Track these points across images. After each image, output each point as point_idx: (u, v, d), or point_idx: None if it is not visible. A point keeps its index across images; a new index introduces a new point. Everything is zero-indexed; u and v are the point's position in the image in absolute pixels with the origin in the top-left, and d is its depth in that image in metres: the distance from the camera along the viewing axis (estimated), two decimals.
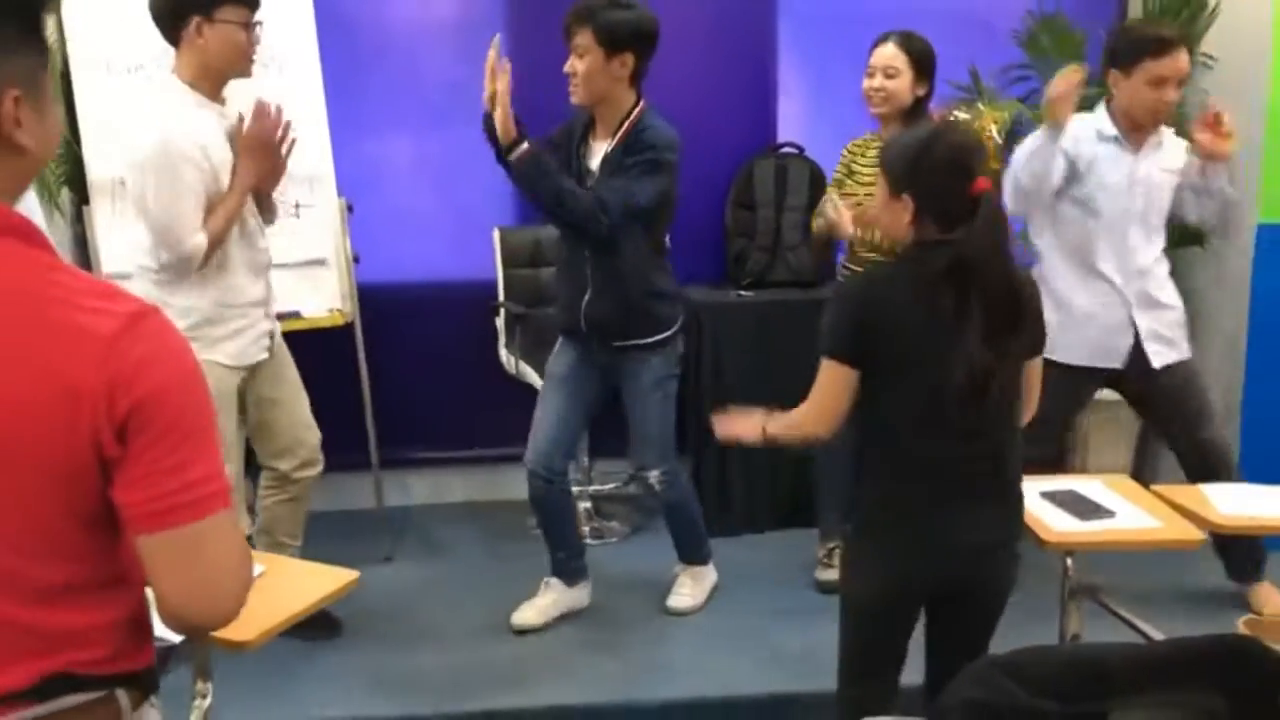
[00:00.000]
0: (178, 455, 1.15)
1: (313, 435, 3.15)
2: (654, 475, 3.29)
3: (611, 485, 4.19)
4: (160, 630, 1.29)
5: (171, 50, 2.83)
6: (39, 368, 1.10)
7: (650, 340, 3.15)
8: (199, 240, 2.71)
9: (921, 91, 3.30)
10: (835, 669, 2.27)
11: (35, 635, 1.17)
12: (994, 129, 3.96)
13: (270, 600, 2.02)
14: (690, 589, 3.47)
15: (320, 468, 3.19)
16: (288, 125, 2.86)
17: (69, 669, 1.19)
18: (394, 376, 4.01)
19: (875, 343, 2.07)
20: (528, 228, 4.17)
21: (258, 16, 2.80)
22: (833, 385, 2.11)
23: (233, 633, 1.90)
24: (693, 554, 3.50)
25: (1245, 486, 2.76)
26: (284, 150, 2.89)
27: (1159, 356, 3.22)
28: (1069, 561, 2.42)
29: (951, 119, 4.00)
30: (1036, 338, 2.19)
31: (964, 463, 2.09)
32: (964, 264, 2.01)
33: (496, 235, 4.10)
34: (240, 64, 2.79)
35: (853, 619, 2.25)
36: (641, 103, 3.07)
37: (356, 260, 3.75)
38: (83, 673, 1.20)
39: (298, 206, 3.64)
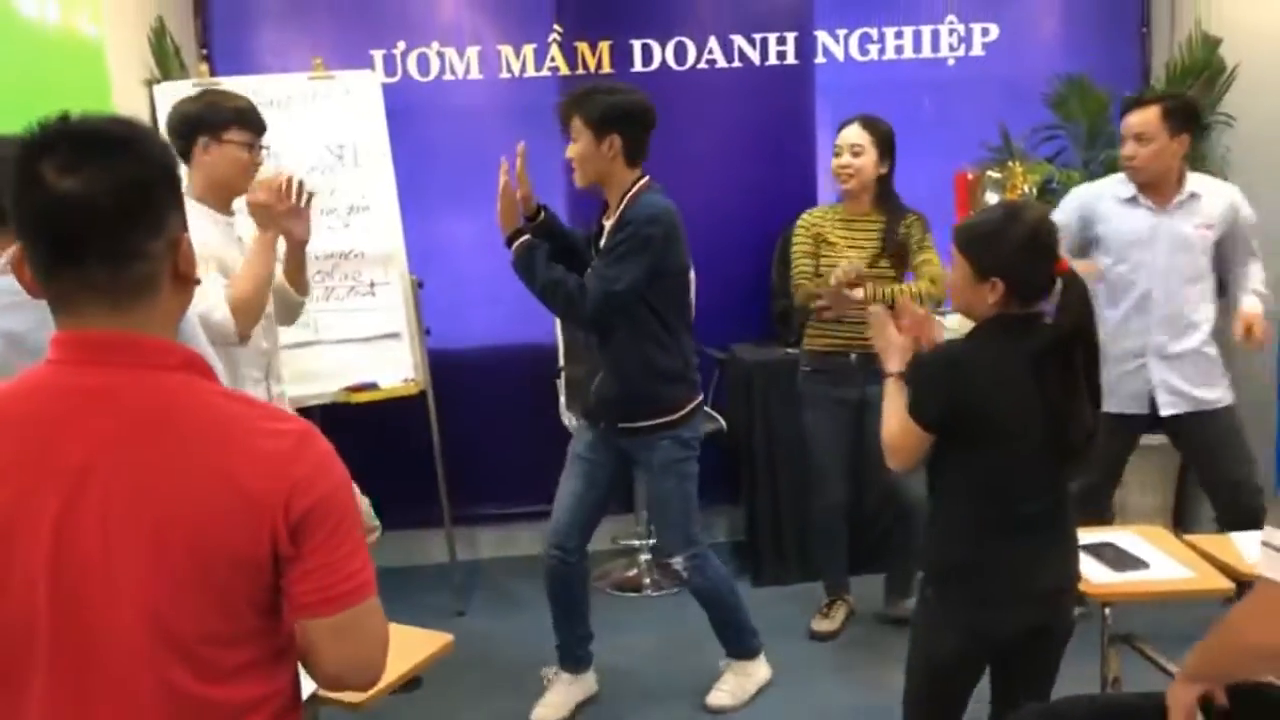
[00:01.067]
0: (341, 551, 1.36)
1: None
2: (678, 562, 3.24)
3: None
4: None
5: None
6: (228, 482, 1.31)
7: (656, 422, 3.10)
8: (222, 314, 2.74)
9: (884, 169, 3.53)
10: None
11: (220, 710, 1.36)
12: (1026, 187, 4.18)
13: None
14: (732, 686, 3.35)
15: (377, 534, 3.23)
16: (300, 186, 2.89)
17: None
18: (463, 437, 4.23)
19: (964, 417, 2.18)
20: None
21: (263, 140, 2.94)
22: (910, 437, 2.24)
23: (348, 695, 2.15)
24: (735, 646, 3.36)
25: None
26: (301, 204, 2.90)
27: (1168, 406, 3.41)
28: (1107, 611, 2.59)
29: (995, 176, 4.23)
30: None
31: (1042, 515, 2.22)
32: (1069, 339, 2.15)
33: None
34: (242, 181, 2.90)
35: (927, 676, 2.32)
36: (643, 179, 3.09)
37: (428, 332, 4.01)
38: None
39: (373, 285, 3.90)
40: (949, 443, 2.22)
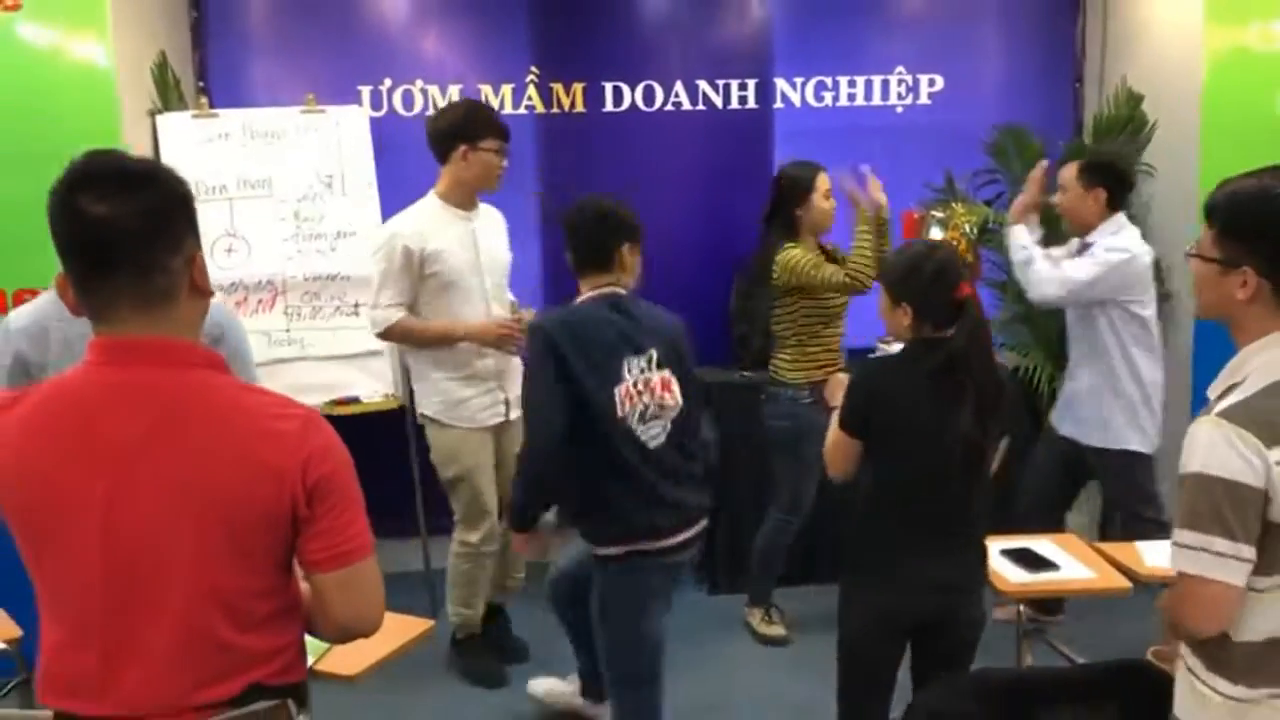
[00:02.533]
0: (345, 516, 1.61)
1: None
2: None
3: None
4: None
5: (248, 177, 3.70)
6: (252, 457, 1.55)
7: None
8: (382, 316, 3.46)
9: None
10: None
11: (246, 655, 1.61)
12: (967, 226, 4.50)
13: (362, 643, 2.50)
14: None
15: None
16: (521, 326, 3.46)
17: (262, 680, 1.62)
18: None
19: (876, 426, 2.49)
20: None
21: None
22: (840, 447, 2.56)
23: (341, 669, 2.41)
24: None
25: None
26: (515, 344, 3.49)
27: (1056, 419, 3.88)
28: (1021, 607, 2.89)
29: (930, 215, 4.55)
30: (1013, 421, 2.62)
31: (940, 518, 2.50)
32: (957, 358, 2.44)
33: None
34: (490, 182, 3.51)
35: (847, 659, 2.61)
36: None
37: None
38: (269, 684, 1.63)
39: (357, 306, 4.15)
40: (868, 450, 2.53)
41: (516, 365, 3.53)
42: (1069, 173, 3.75)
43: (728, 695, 3.68)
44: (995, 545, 2.92)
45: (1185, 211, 4.18)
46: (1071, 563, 2.95)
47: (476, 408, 3.59)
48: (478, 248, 3.53)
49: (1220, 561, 1.67)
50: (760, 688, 3.73)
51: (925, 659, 2.61)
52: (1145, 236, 4.49)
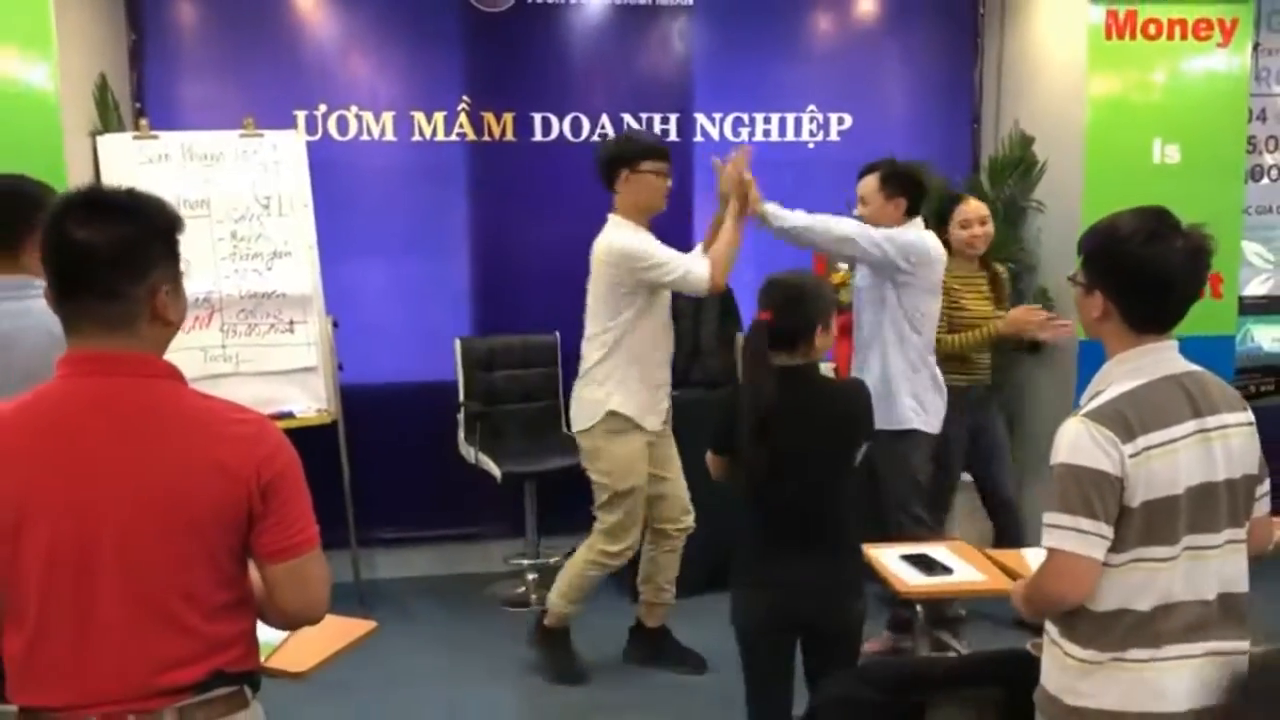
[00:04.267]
0: (295, 512, 1.75)
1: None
2: None
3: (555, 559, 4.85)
4: None
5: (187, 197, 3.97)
6: (211, 460, 1.70)
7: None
8: (699, 269, 3.67)
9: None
10: None
11: (208, 642, 1.74)
12: None
13: (309, 642, 2.64)
14: None
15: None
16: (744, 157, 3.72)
17: (223, 667, 1.76)
18: (370, 465, 4.62)
19: (730, 442, 2.76)
20: (484, 338, 4.89)
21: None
22: (712, 461, 2.85)
23: (290, 665, 2.56)
24: None
25: None
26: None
27: None
28: (919, 608, 3.16)
29: None
30: (868, 427, 2.85)
31: (808, 523, 2.73)
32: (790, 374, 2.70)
33: (458, 344, 4.80)
34: (656, 201, 3.73)
35: (742, 653, 2.83)
36: None
37: (341, 368, 4.42)
38: (229, 670, 1.77)
39: (292, 323, 4.30)
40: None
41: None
42: (870, 185, 3.90)
43: None
44: (895, 551, 3.19)
45: (1069, 244, 4.49)
46: (965, 567, 3.22)
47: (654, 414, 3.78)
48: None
49: (1085, 539, 1.96)
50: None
51: (810, 656, 2.83)
52: (1035, 266, 4.88)
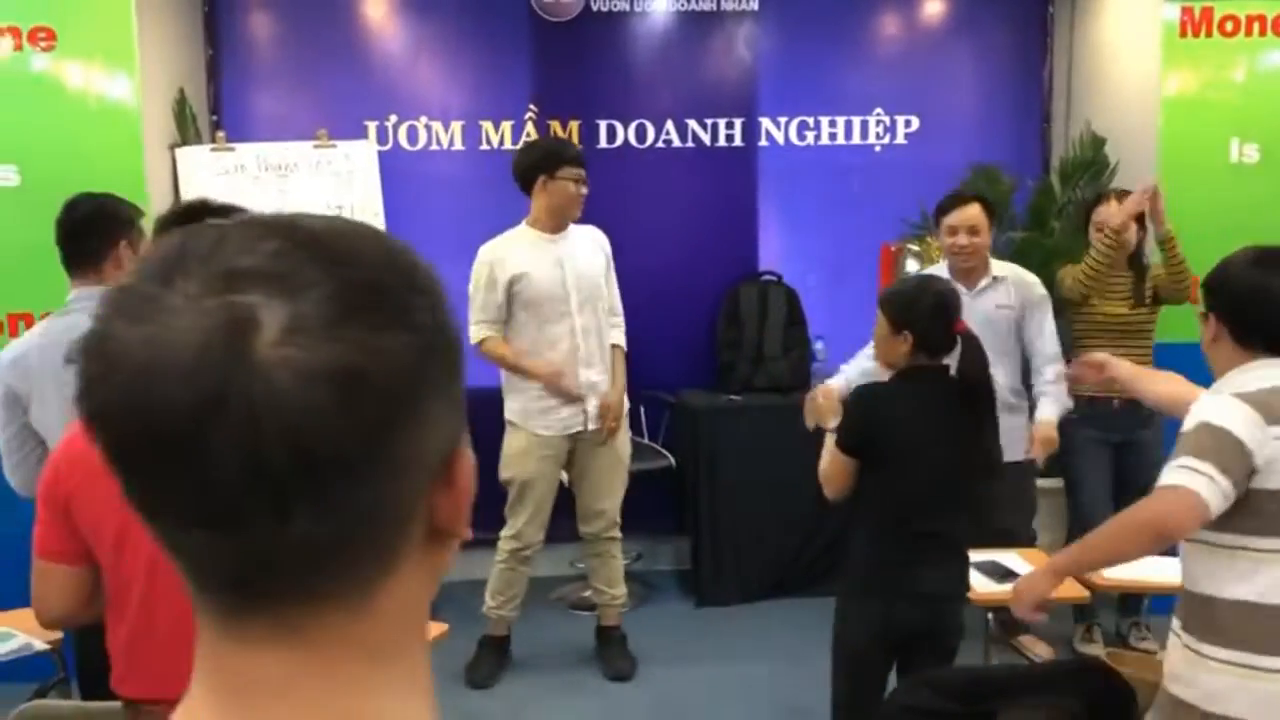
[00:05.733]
0: None
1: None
2: None
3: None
4: None
5: (262, 207, 3.66)
6: None
7: None
8: (474, 331, 3.78)
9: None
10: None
11: None
12: (941, 259, 4.75)
13: None
14: None
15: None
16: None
17: None
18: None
19: (877, 443, 2.68)
20: None
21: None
22: (836, 466, 2.74)
23: None
24: None
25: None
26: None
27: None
28: (990, 616, 3.13)
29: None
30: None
31: (938, 532, 2.70)
32: (972, 384, 2.69)
33: None
34: (572, 208, 3.81)
35: (844, 661, 2.79)
36: None
37: None
38: None
39: None
40: (865, 468, 2.70)
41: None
42: (977, 213, 3.89)
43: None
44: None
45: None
46: None
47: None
48: (564, 268, 3.81)
49: (1206, 481, 1.96)
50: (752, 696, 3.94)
51: (911, 664, 2.77)
52: None
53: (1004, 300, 3.89)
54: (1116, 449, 4.02)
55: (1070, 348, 4.03)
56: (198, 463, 0.53)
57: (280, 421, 0.53)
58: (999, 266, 3.96)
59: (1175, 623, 2.16)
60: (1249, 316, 2.15)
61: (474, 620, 4.47)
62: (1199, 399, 2.12)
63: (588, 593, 4.76)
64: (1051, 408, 3.71)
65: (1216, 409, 2.04)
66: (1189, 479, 1.98)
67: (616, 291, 4.01)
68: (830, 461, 2.76)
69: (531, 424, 3.90)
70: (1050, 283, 4.05)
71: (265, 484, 0.54)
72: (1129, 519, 2.11)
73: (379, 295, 0.58)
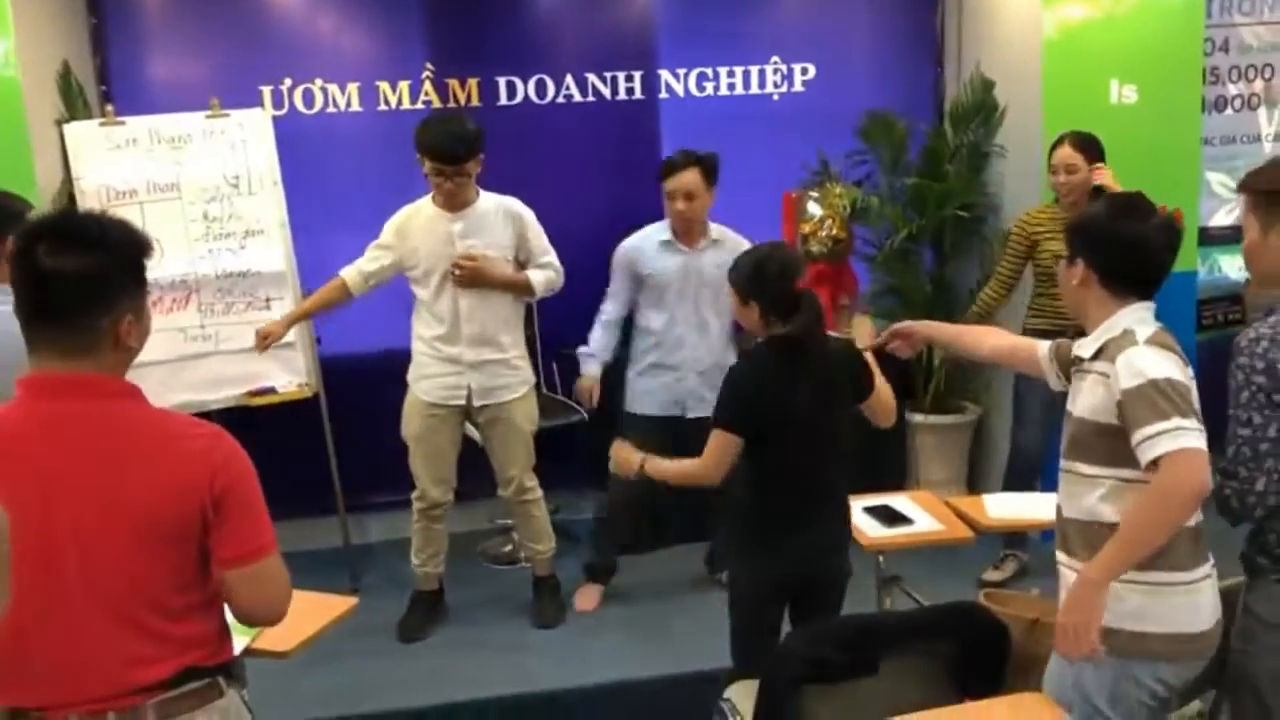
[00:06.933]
0: (248, 519, 1.85)
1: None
2: None
3: None
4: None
5: (157, 181, 4.10)
6: (167, 473, 1.79)
7: None
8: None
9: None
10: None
11: (175, 642, 1.84)
12: (842, 205, 4.86)
13: (294, 621, 2.75)
14: None
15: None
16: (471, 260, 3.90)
17: (196, 663, 1.87)
18: (354, 434, 4.70)
19: (758, 416, 2.80)
20: None
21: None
22: (720, 447, 2.81)
23: (276, 645, 2.67)
24: None
25: (1021, 495, 3.67)
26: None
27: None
28: (880, 559, 3.28)
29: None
30: (862, 388, 2.95)
31: (811, 489, 2.86)
32: (793, 345, 2.80)
33: None
34: (437, 196, 3.89)
35: (739, 612, 2.97)
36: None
37: (318, 341, 4.50)
38: (202, 665, 1.88)
39: (268, 300, 4.36)
40: (748, 440, 2.82)
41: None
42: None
43: None
44: (858, 502, 3.30)
45: (1031, 188, 4.59)
46: (925, 517, 3.34)
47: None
48: (455, 247, 3.90)
49: (1195, 434, 2.09)
50: None
51: (802, 612, 2.98)
52: (999, 209, 4.94)
53: (722, 260, 3.89)
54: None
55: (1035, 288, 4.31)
56: None
57: None
58: (716, 230, 4.16)
59: (1065, 557, 2.31)
60: (1127, 264, 2.26)
61: (397, 582, 4.57)
62: (1125, 355, 2.16)
63: (508, 547, 4.89)
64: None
65: (1153, 363, 2.14)
66: (1194, 440, 2.08)
67: (542, 245, 4.10)
68: (712, 449, 2.83)
69: (416, 387, 4.08)
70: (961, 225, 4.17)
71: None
72: (1163, 499, 2.10)
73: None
